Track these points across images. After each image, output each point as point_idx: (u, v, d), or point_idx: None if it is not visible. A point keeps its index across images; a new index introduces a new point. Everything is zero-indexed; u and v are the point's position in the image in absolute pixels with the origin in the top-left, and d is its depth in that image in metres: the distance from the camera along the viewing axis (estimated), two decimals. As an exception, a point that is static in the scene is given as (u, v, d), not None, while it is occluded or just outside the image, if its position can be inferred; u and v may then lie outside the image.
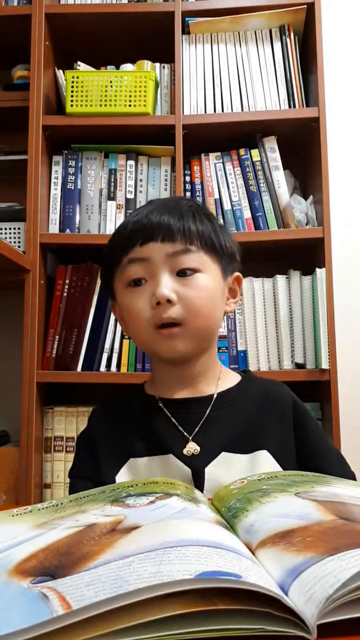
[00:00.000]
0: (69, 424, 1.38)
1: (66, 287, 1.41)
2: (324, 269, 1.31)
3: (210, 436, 0.70)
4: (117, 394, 0.83)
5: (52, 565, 0.33)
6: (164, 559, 0.30)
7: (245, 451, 0.69)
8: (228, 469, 0.68)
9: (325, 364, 1.28)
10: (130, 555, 0.31)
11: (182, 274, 0.68)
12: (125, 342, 1.37)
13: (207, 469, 0.68)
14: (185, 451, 0.69)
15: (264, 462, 0.68)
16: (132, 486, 0.49)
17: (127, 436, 0.73)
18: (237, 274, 0.77)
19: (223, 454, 0.69)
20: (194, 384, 0.74)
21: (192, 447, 0.69)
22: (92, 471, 0.72)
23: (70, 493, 0.72)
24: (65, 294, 1.41)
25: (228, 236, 0.75)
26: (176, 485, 0.49)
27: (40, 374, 1.34)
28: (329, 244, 1.32)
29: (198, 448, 0.69)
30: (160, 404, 0.74)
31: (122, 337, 1.38)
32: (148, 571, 0.28)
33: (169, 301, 0.66)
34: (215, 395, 0.74)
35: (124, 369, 1.35)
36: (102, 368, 1.36)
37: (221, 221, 1.36)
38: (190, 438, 0.70)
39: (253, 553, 0.36)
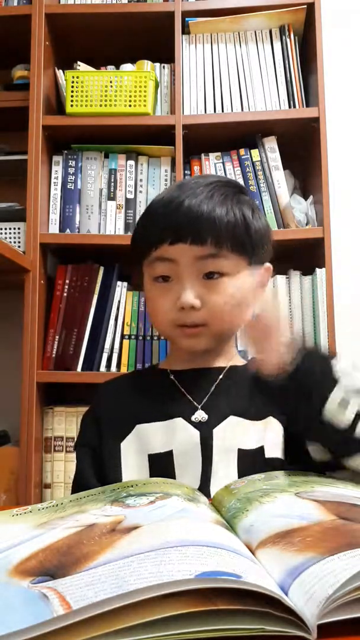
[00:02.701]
0: (69, 424, 1.38)
1: (66, 287, 1.41)
2: (324, 269, 1.31)
3: (218, 404, 0.71)
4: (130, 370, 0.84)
5: (52, 565, 0.32)
6: (164, 559, 0.30)
7: (253, 418, 0.70)
8: (237, 432, 0.68)
9: (325, 364, 1.28)
10: (130, 555, 0.31)
11: (209, 276, 0.68)
12: (125, 342, 1.37)
13: (215, 431, 0.68)
14: (193, 418, 0.70)
15: (273, 429, 0.69)
16: (132, 486, 0.49)
17: (134, 405, 0.74)
18: (267, 265, 0.76)
19: (231, 417, 0.69)
20: (208, 361, 0.76)
21: (200, 415, 0.70)
22: (94, 441, 0.74)
23: (77, 464, 0.75)
24: (65, 294, 1.41)
25: (261, 225, 0.73)
26: (176, 486, 0.49)
27: (40, 374, 1.34)
28: (329, 244, 1.32)
29: (206, 416, 0.70)
30: (171, 376, 0.76)
31: (122, 337, 1.38)
32: (148, 571, 0.28)
33: (193, 307, 0.67)
34: (226, 367, 0.75)
35: (124, 369, 1.35)
36: (102, 368, 1.36)
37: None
38: (200, 407, 0.71)
39: (253, 553, 0.35)
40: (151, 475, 0.68)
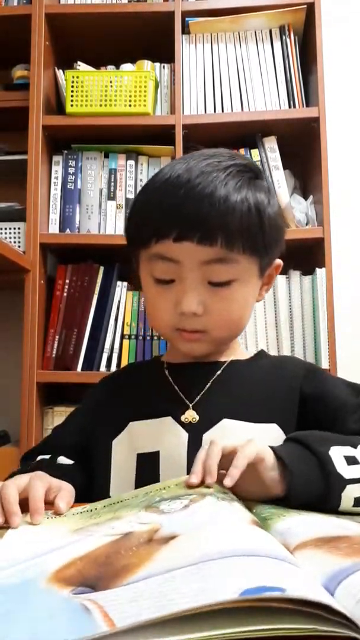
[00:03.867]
0: (69, 424, 1.37)
1: (66, 287, 1.41)
2: (324, 269, 1.31)
3: (212, 403, 0.66)
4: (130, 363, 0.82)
5: (92, 575, 0.32)
6: (205, 573, 0.29)
7: (253, 420, 0.65)
8: (228, 436, 0.62)
9: (325, 364, 1.28)
10: (171, 570, 0.30)
11: (214, 284, 0.62)
12: (125, 342, 1.37)
13: (205, 436, 0.63)
14: (183, 418, 0.65)
15: (274, 436, 0.63)
16: (164, 488, 0.48)
17: (129, 402, 0.72)
18: (277, 262, 0.70)
19: (224, 420, 0.64)
20: (208, 356, 0.71)
21: (190, 415, 0.65)
22: (73, 428, 0.75)
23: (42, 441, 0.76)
24: (65, 294, 1.41)
25: (275, 216, 0.65)
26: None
27: (40, 374, 1.34)
28: (329, 244, 1.32)
29: (197, 417, 0.65)
30: (166, 371, 0.71)
31: (122, 337, 1.38)
32: (191, 587, 0.28)
33: (195, 313, 0.62)
34: (226, 362, 0.70)
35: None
36: (102, 368, 1.36)
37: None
38: (191, 406, 0.66)
39: (291, 553, 0.35)
40: (137, 476, 0.65)
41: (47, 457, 0.70)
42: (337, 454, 0.50)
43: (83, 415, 0.77)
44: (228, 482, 0.45)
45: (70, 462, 0.69)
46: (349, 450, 0.51)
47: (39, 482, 0.51)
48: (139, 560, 0.33)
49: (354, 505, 0.49)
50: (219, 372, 0.69)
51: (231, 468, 0.46)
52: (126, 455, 0.67)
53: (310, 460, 0.50)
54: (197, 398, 0.67)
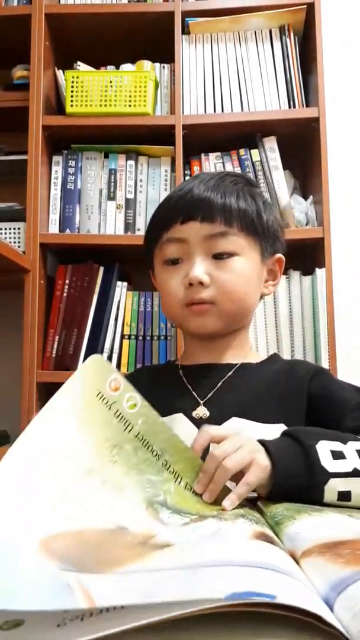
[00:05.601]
0: (69, 424, 1.37)
1: (66, 287, 1.41)
2: (324, 269, 1.31)
3: (223, 401, 0.70)
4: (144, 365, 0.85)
5: (76, 556, 0.32)
6: (195, 577, 0.29)
7: (262, 420, 0.67)
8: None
9: (325, 364, 1.28)
10: (161, 569, 0.30)
11: (218, 256, 0.69)
12: (125, 342, 1.37)
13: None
14: (194, 414, 0.69)
15: None
16: (168, 465, 0.49)
17: (146, 399, 0.74)
18: (278, 255, 0.76)
19: (234, 419, 0.68)
20: (220, 357, 0.75)
21: (201, 411, 0.70)
22: None
23: None
24: (65, 294, 1.41)
25: (272, 216, 0.74)
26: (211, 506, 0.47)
27: (40, 374, 1.34)
28: (329, 244, 1.32)
29: (207, 413, 0.69)
30: (180, 371, 0.76)
31: (122, 337, 1.38)
32: (177, 587, 0.27)
33: (202, 283, 0.68)
34: (237, 365, 0.74)
35: (124, 369, 1.35)
36: (102, 368, 1.35)
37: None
38: (202, 403, 0.70)
39: (297, 562, 0.34)
40: None
41: None
42: (324, 447, 0.51)
43: None
44: (227, 505, 0.47)
45: None
46: (337, 445, 0.52)
47: None
48: (130, 555, 0.33)
49: (338, 499, 0.49)
50: (230, 373, 0.73)
51: (232, 494, 0.48)
52: None
53: (296, 452, 0.51)
54: (208, 396, 0.71)
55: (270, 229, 0.73)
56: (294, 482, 0.49)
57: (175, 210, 0.70)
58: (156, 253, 0.74)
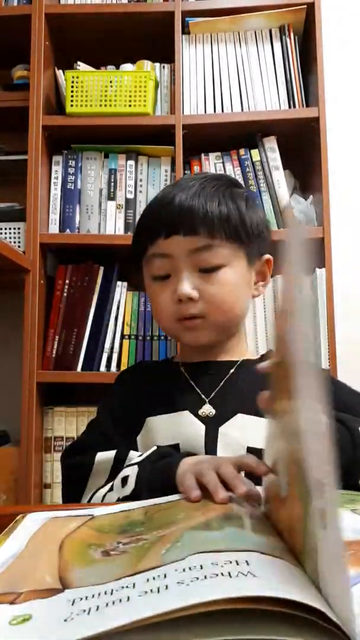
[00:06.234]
0: (69, 424, 1.38)
1: (66, 287, 1.41)
2: (324, 269, 1.31)
3: (227, 399, 0.71)
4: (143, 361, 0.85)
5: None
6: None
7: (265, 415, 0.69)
8: (243, 430, 0.68)
9: (325, 364, 1.28)
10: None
11: (204, 270, 0.69)
12: (125, 342, 1.37)
13: (221, 429, 0.68)
14: (200, 412, 0.70)
15: None
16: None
17: (147, 398, 0.75)
18: (267, 256, 0.77)
19: (239, 415, 0.69)
20: (219, 355, 0.76)
21: (207, 409, 0.70)
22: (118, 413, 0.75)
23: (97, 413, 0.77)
24: (65, 294, 1.41)
25: (257, 216, 0.74)
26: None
27: (40, 374, 1.33)
28: (329, 244, 1.32)
29: (213, 411, 0.70)
30: (182, 368, 0.76)
31: (122, 337, 1.38)
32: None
33: (191, 299, 0.68)
34: (238, 362, 0.75)
35: (123, 369, 1.35)
36: (102, 368, 1.36)
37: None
38: (207, 401, 0.71)
39: None
40: None
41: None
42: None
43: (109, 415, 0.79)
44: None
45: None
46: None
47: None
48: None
49: None
50: (232, 370, 0.74)
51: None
52: (146, 450, 0.69)
53: (344, 433, 0.56)
54: (213, 394, 0.72)
55: (255, 231, 0.73)
56: (340, 458, 0.51)
57: (158, 222, 0.70)
58: (144, 266, 0.75)
